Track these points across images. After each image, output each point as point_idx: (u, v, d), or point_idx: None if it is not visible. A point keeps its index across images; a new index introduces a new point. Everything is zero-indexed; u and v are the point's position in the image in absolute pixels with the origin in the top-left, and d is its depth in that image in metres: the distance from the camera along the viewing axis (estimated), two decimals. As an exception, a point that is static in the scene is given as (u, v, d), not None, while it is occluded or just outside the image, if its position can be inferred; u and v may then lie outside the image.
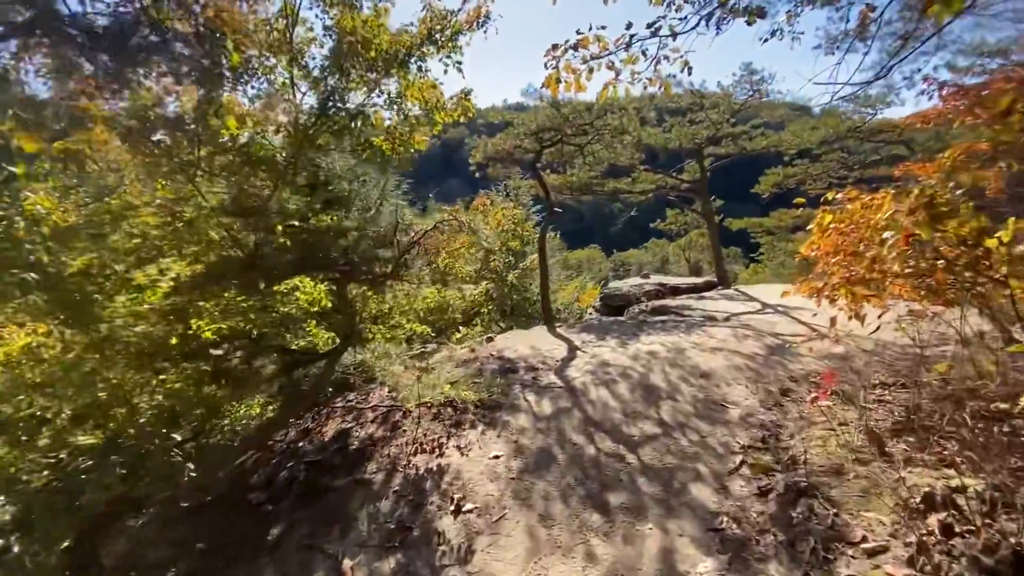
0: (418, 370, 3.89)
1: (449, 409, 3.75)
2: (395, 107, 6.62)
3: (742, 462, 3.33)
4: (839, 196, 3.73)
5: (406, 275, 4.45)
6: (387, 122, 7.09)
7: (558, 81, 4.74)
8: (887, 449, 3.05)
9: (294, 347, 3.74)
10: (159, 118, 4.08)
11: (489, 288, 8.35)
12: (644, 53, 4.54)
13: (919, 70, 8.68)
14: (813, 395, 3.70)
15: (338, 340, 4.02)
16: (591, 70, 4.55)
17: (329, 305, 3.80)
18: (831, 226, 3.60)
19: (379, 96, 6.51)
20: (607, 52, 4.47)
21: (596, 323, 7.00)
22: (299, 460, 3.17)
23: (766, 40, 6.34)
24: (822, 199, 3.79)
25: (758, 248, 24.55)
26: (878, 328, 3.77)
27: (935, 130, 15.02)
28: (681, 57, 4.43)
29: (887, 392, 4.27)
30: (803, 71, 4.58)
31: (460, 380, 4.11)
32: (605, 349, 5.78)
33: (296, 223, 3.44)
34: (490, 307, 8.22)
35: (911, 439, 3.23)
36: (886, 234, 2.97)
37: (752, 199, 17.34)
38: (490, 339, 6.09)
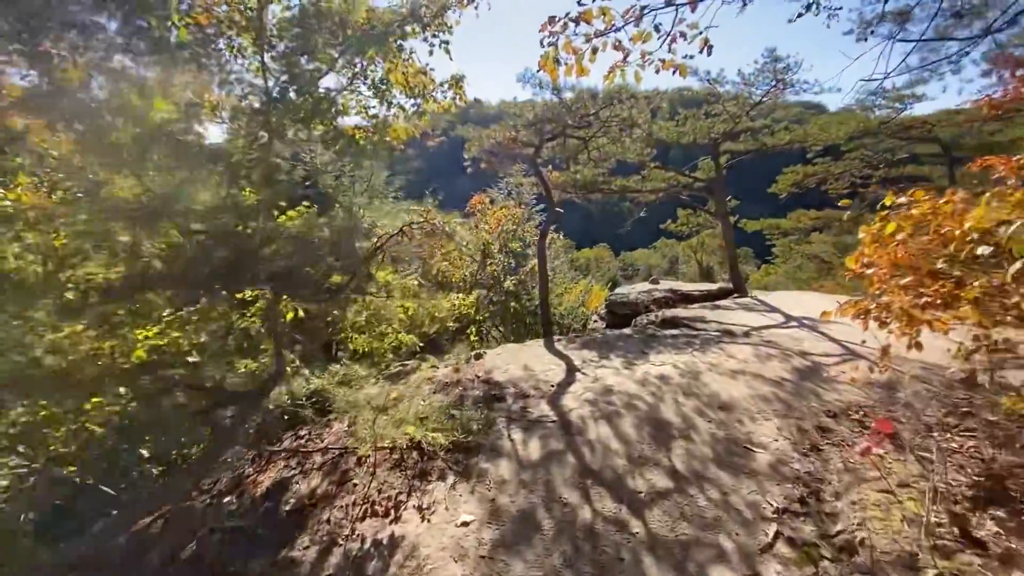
0: (378, 407, 3.22)
1: (415, 454, 3.08)
2: (378, 94, 5.99)
3: (777, 534, 2.63)
4: (900, 199, 2.99)
5: (370, 286, 3.81)
6: (371, 110, 6.43)
7: (556, 62, 4.08)
8: (974, 532, 2.33)
9: (209, 384, 3.11)
10: (79, 99, 3.46)
11: (483, 296, 7.67)
12: (657, 29, 3.85)
13: (965, 54, 7.83)
14: (863, 444, 2.98)
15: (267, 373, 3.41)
16: (595, 50, 3.88)
17: (256, 329, 3.19)
18: (894, 235, 2.87)
19: (360, 81, 5.88)
20: (613, 27, 3.79)
21: (600, 338, 6.30)
22: (217, 525, 2.53)
23: (799, 16, 5.58)
24: (880, 204, 3.06)
25: (771, 249, 23.63)
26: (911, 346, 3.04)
27: (971, 126, 14.04)
28: (701, 34, 3.73)
29: (950, 436, 3.54)
30: (826, 64, 3.84)
31: (433, 413, 3.44)
32: (608, 371, 5.08)
33: (202, 227, 2.79)
34: (484, 316, 7.55)
35: (1000, 512, 2.51)
36: (982, 249, 2.26)
37: (767, 199, 16.49)
38: (479, 356, 5.42)
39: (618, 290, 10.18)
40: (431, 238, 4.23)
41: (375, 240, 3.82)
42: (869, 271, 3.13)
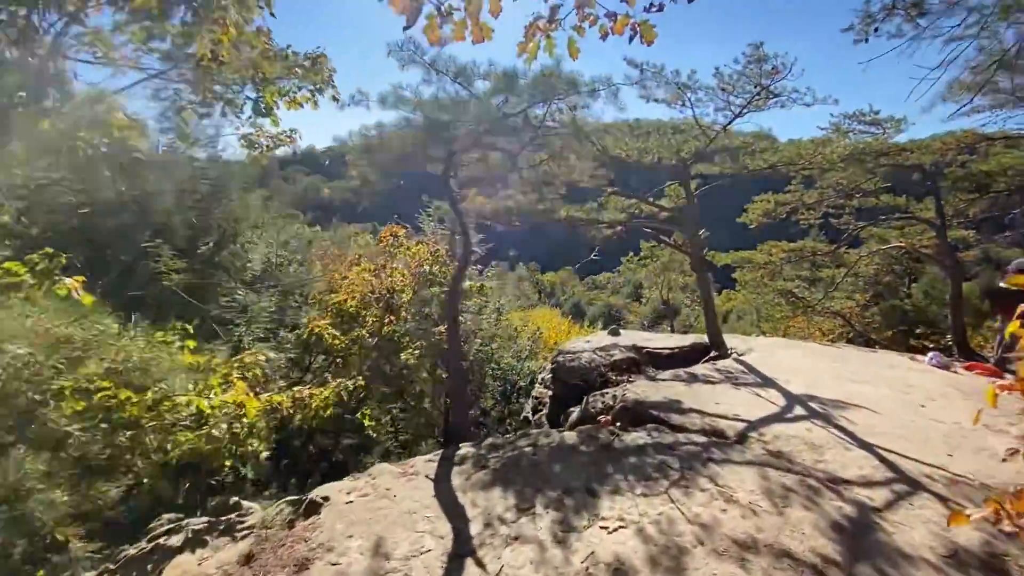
0: None
1: None
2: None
3: None
4: None
5: None
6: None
7: (443, 15, 2.17)
8: None
9: None
10: None
11: (368, 372, 5.31)
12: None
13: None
14: None
15: None
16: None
17: None
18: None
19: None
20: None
21: (529, 456, 4.06)
22: None
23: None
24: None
25: (732, 275, 22.34)
26: None
27: (945, 155, 13.03)
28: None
29: None
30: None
31: None
32: (526, 552, 2.84)
33: None
34: (366, 412, 5.13)
35: None
36: None
37: (735, 228, 15.05)
38: (310, 510, 3.07)
39: (570, 345, 8.08)
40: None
41: None
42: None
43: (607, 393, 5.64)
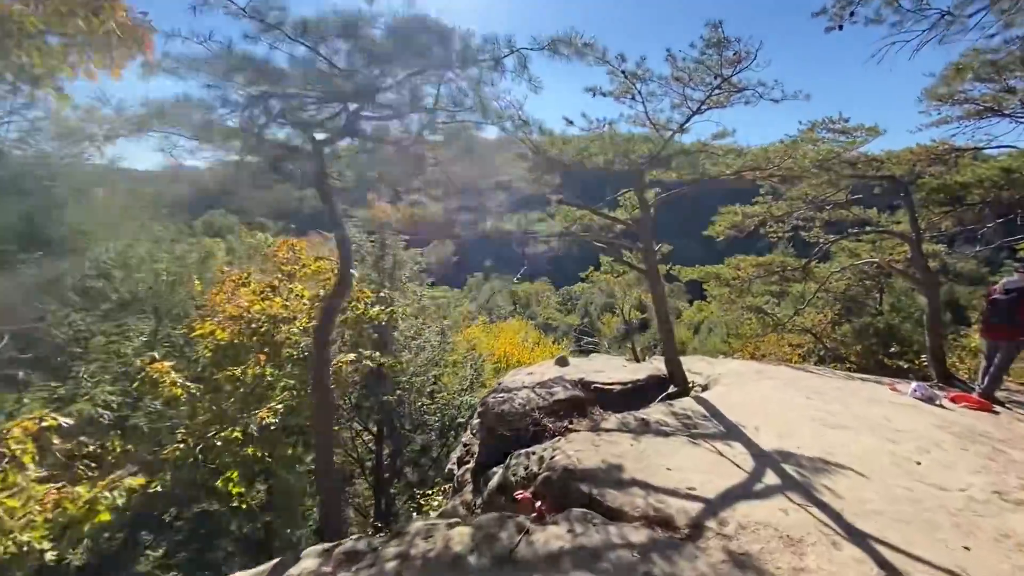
0: None
1: None
2: None
3: None
4: None
5: None
6: None
7: None
8: None
9: None
10: None
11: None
12: None
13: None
14: None
15: None
16: None
17: None
18: None
19: None
20: None
21: None
22: None
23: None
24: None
25: (704, 284, 21.57)
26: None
27: (915, 166, 12.50)
28: None
29: None
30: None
31: None
32: None
33: None
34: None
35: None
36: None
37: (701, 240, 14.24)
38: None
39: (508, 379, 6.87)
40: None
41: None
42: None
43: (534, 453, 4.43)
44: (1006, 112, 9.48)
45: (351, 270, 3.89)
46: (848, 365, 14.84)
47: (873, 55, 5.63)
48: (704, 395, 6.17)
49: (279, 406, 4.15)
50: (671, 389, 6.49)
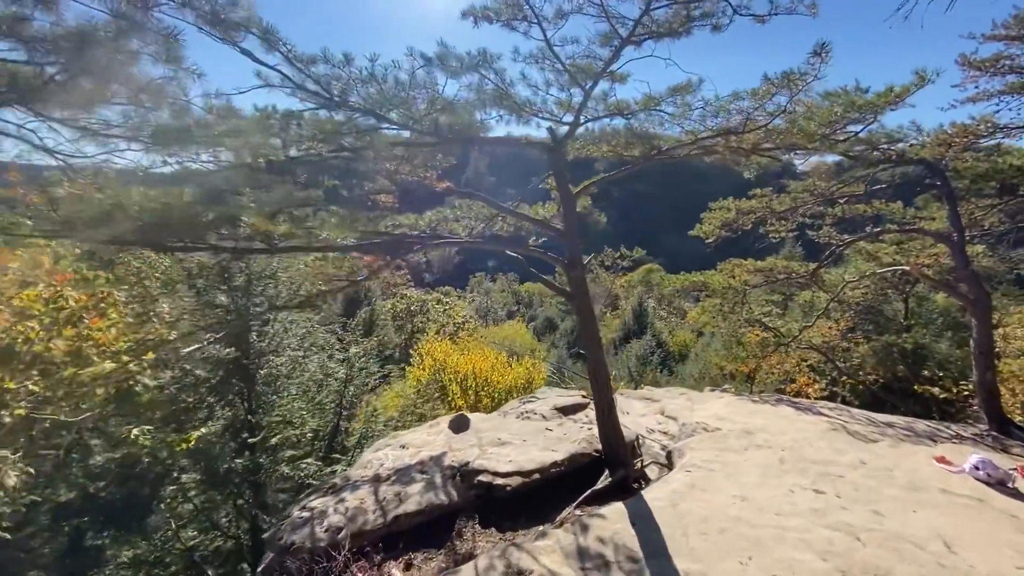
0: None
1: None
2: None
3: None
4: None
5: None
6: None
7: None
8: None
9: None
10: None
11: None
12: None
13: None
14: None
15: None
16: None
17: None
18: None
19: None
20: None
21: None
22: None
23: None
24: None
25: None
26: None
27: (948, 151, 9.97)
28: None
29: None
30: None
31: None
32: None
33: None
34: None
35: None
36: None
37: (689, 240, 11.86)
38: None
39: (356, 465, 4.58)
40: None
41: None
42: None
43: None
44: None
45: None
46: (864, 389, 12.40)
47: (899, 8, 3.43)
48: (654, 494, 3.84)
49: None
50: (604, 478, 4.17)
